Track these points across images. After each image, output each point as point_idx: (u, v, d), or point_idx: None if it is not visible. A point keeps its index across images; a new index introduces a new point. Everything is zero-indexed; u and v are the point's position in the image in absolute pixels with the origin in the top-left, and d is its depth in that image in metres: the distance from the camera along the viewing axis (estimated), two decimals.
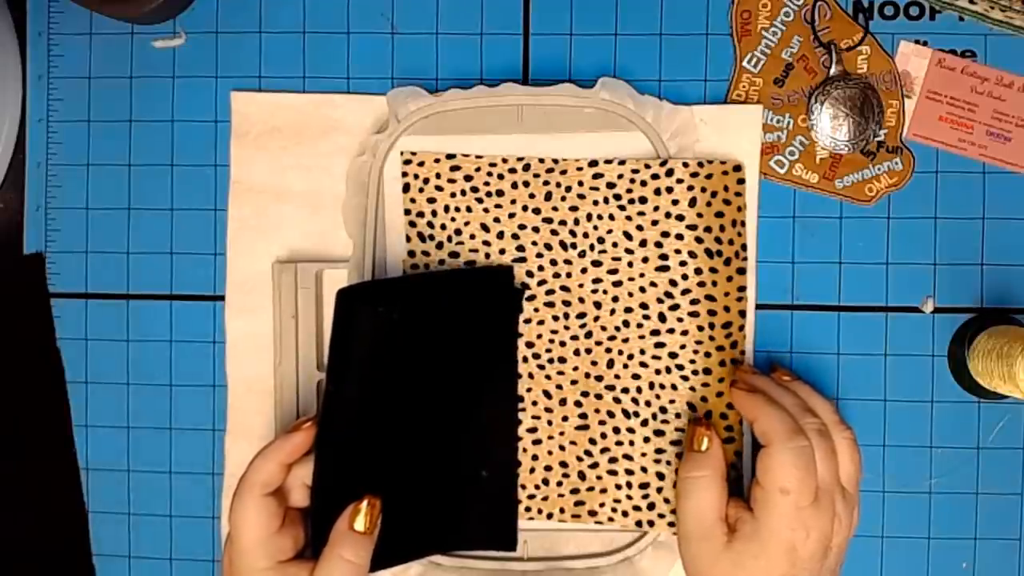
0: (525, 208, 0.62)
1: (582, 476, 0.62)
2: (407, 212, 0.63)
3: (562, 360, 0.62)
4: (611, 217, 0.62)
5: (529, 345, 0.62)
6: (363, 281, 0.62)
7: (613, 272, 0.62)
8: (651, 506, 0.61)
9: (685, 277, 0.61)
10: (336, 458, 0.59)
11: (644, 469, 0.61)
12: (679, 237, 0.61)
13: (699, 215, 0.61)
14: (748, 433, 0.62)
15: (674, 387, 0.61)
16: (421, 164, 0.62)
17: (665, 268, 0.61)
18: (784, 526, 0.53)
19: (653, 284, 0.61)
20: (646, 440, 0.61)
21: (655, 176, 0.61)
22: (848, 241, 0.63)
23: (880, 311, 0.63)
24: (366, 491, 0.58)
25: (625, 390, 0.62)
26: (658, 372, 0.61)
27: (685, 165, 0.61)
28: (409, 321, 0.60)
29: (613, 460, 0.62)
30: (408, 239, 0.63)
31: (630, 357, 0.62)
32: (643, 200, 0.61)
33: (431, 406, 0.60)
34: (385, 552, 0.59)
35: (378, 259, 0.63)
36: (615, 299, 0.62)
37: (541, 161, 0.62)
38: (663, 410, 0.61)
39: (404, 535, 0.60)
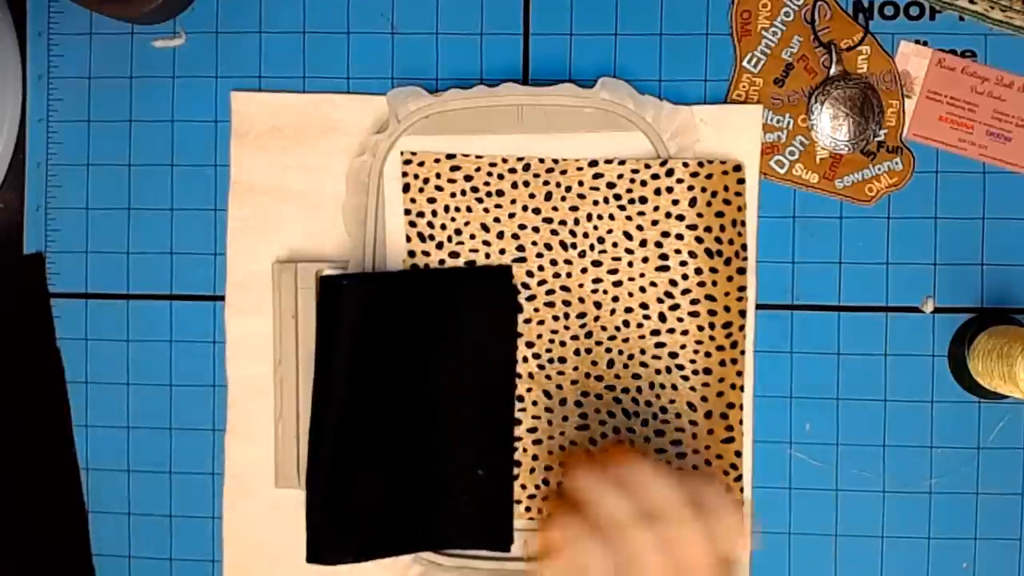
0: (525, 208, 0.62)
1: None
2: (407, 212, 0.63)
3: (562, 360, 0.62)
4: (611, 217, 0.62)
5: (529, 345, 0.62)
6: (347, 272, 0.62)
7: (613, 272, 0.62)
8: None
9: (685, 277, 0.61)
10: (330, 451, 0.59)
11: None
12: (679, 237, 0.61)
13: (699, 215, 0.61)
14: (748, 433, 0.62)
15: (674, 387, 0.61)
16: (421, 164, 0.62)
17: (665, 268, 0.61)
18: None
19: (653, 284, 0.61)
20: (646, 440, 0.61)
21: (655, 176, 0.61)
22: (848, 241, 0.63)
23: (880, 311, 0.63)
24: (361, 485, 0.59)
25: (625, 390, 0.62)
26: (658, 372, 0.61)
27: (685, 165, 0.61)
28: (406, 318, 0.61)
29: None
30: (408, 239, 0.63)
31: (630, 357, 0.62)
32: (643, 200, 0.61)
33: (428, 403, 0.61)
34: (380, 544, 0.60)
35: (378, 259, 0.63)
36: (615, 299, 0.62)
37: (541, 161, 0.62)
38: (663, 410, 0.61)
39: (399, 529, 0.60)
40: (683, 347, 0.61)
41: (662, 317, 0.61)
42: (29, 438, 0.65)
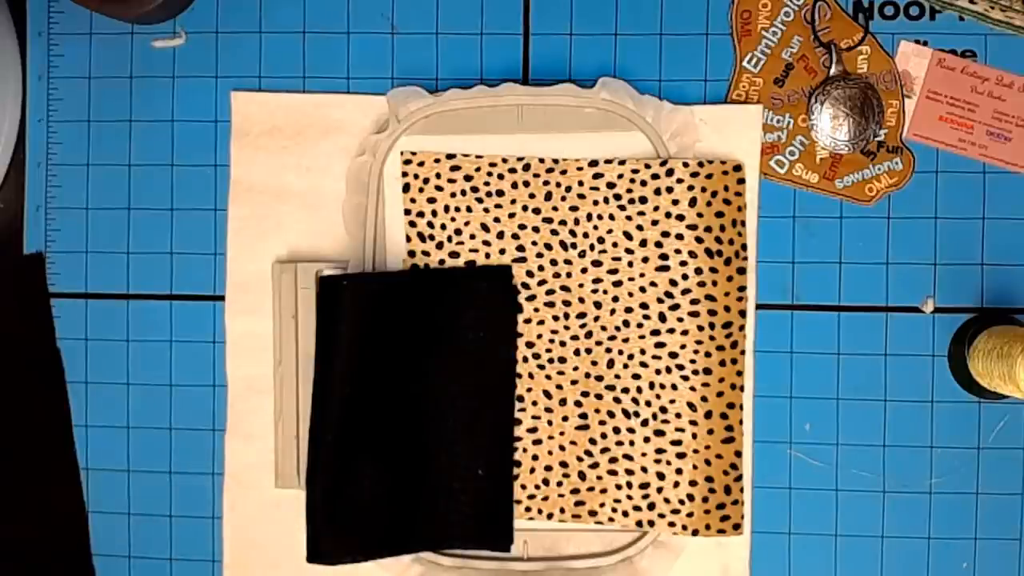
0: (525, 208, 0.62)
1: (582, 476, 0.62)
2: (407, 212, 0.63)
3: (562, 360, 0.62)
4: (611, 217, 0.62)
5: (529, 345, 0.62)
6: (347, 272, 0.62)
7: (613, 272, 0.62)
8: (651, 506, 0.61)
9: (685, 277, 0.61)
10: (330, 451, 0.59)
11: (644, 469, 0.61)
12: (679, 237, 0.61)
13: (699, 215, 0.61)
14: (748, 433, 0.62)
15: (674, 387, 0.61)
16: (421, 164, 0.62)
17: (665, 268, 0.61)
18: None
19: (653, 284, 0.61)
20: (646, 440, 0.61)
21: (655, 176, 0.61)
22: (848, 241, 0.63)
23: (880, 311, 0.63)
24: (361, 485, 0.59)
25: (625, 390, 0.62)
26: (658, 372, 0.61)
27: (685, 165, 0.61)
28: (406, 318, 0.61)
29: (613, 460, 0.61)
30: (408, 239, 0.63)
31: (630, 357, 0.62)
32: (643, 200, 0.61)
33: (428, 403, 0.61)
34: (379, 544, 0.60)
35: (378, 259, 0.63)
36: (615, 299, 0.62)
37: (541, 161, 0.62)
38: (663, 410, 0.61)
39: (399, 529, 0.60)
40: (683, 347, 0.61)
41: (662, 317, 0.61)
42: (29, 438, 0.65)
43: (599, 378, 0.62)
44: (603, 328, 0.62)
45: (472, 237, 0.62)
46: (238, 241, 0.64)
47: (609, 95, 0.62)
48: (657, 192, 0.61)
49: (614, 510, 0.61)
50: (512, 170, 0.62)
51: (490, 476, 0.61)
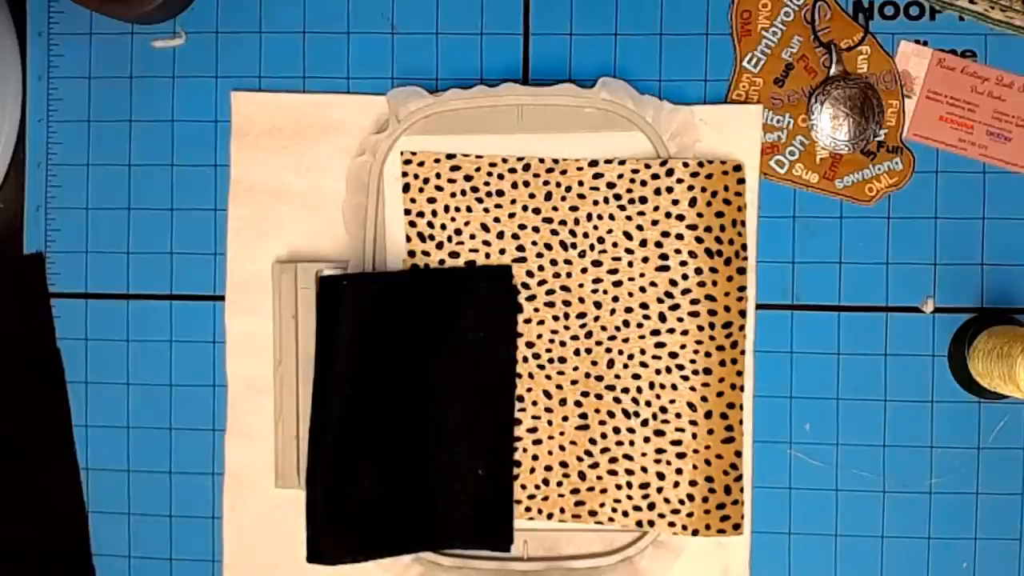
0: (525, 208, 0.62)
1: (582, 476, 0.62)
2: (407, 212, 0.63)
3: (562, 360, 0.62)
4: (611, 217, 0.62)
5: (529, 345, 0.62)
6: (347, 272, 0.62)
7: (613, 272, 0.62)
8: (651, 506, 0.61)
9: (685, 277, 0.61)
10: (330, 451, 0.59)
11: (644, 469, 0.61)
12: (679, 237, 0.61)
13: (699, 215, 0.61)
14: (748, 433, 0.62)
15: (674, 387, 0.61)
16: (421, 164, 0.62)
17: (665, 268, 0.61)
18: None
19: (653, 284, 0.61)
20: (646, 440, 0.61)
21: (655, 176, 0.61)
22: (848, 241, 0.63)
23: (880, 311, 0.63)
24: (361, 485, 0.59)
25: (625, 390, 0.62)
26: (658, 372, 0.61)
27: (685, 165, 0.61)
28: (406, 318, 0.61)
29: (613, 460, 0.62)
30: (408, 239, 0.63)
31: (630, 357, 0.62)
32: (643, 200, 0.61)
33: (428, 403, 0.61)
34: (379, 544, 0.60)
35: (378, 259, 0.63)
36: (615, 299, 0.62)
37: (541, 161, 0.62)
38: (663, 410, 0.61)
39: (399, 529, 0.60)
40: (683, 347, 0.61)
41: (662, 317, 0.61)
42: (29, 438, 0.65)
43: (599, 378, 0.62)
44: (603, 328, 0.62)
45: (472, 237, 0.62)
46: (238, 241, 0.64)
47: (609, 95, 0.62)
48: (657, 192, 0.61)
49: (614, 510, 0.61)
50: (512, 170, 0.62)
51: (490, 476, 0.61)
